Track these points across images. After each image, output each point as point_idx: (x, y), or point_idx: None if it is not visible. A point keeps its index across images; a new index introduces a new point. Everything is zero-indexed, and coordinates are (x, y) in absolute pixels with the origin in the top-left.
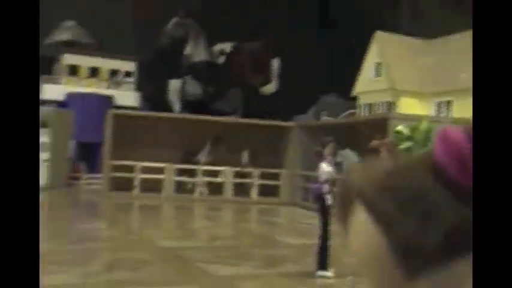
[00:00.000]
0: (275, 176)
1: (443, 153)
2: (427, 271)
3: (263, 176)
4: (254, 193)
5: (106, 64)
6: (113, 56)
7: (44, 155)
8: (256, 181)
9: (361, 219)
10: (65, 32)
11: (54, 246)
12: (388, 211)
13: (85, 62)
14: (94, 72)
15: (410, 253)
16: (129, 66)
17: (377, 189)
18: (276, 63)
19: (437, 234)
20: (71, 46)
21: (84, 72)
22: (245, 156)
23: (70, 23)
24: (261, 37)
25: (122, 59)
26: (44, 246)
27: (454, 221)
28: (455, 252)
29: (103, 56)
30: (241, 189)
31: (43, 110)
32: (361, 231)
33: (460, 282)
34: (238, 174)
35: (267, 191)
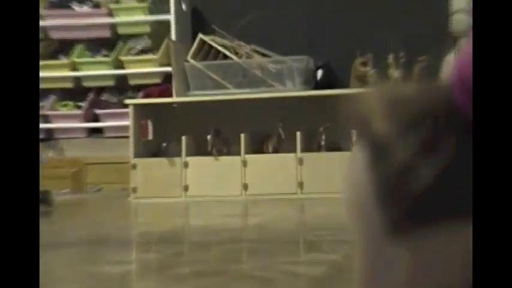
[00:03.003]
0: None
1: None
2: (414, 229)
3: None
4: None
5: None
6: None
7: None
8: None
9: (354, 152)
10: None
11: None
12: (382, 134)
13: None
14: None
15: (396, 195)
16: None
17: (377, 113)
18: None
19: (432, 171)
20: None
21: None
22: None
23: None
24: None
25: None
26: None
27: (452, 163)
28: (451, 208)
29: None
30: None
31: None
32: (350, 168)
33: (459, 259)
34: None
35: None
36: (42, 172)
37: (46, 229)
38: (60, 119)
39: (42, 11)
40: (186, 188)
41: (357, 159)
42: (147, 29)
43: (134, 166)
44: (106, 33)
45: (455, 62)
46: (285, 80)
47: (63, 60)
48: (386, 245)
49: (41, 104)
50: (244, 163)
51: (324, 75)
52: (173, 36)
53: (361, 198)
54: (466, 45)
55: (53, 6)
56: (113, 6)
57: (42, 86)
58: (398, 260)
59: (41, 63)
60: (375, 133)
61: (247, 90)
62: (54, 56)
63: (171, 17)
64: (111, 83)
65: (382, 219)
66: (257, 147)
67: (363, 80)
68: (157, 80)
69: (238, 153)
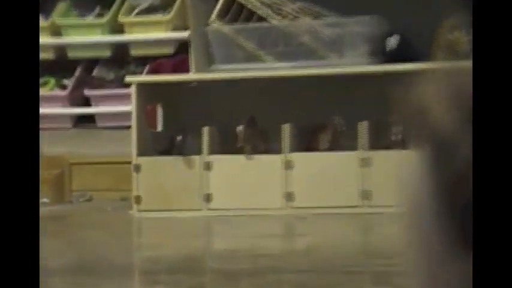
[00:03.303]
0: None
1: None
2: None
3: None
4: None
5: None
6: None
7: None
8: None
9: (411, 150)
10: None
11: None
12: (446, 129)
13: None
14: None
15: (463, 202)
16: None
17: (439, 103)
18: None
19: None
20: None
21: None
22: None
23: None
24: None
25: None
26: None
27: None
28: None
29: None
30: None
31: None
32: (406, 171)
33: None
34: None
35: None
36: None
37: None
38: None
39: None
40: (208, 198)
41: (415, 159)
42: None
43: (138, 168)
44: None
45: None
46: (344, 50)
47: (41, 22)
48: (449, 259)
49: None
50: (288, 164)
51: (398, 44)
52: None
53: (420, 207)
54: None
55: None
56: None
57: None
58: (463, 276)
59: None
60: (437, 128)
61: (292, 63)
62: None
63: None
64: (106, 53)
65: (446, 231)
66: (306, 143)
67: (452, 50)
68: (169, 50)
69: (279, 151)
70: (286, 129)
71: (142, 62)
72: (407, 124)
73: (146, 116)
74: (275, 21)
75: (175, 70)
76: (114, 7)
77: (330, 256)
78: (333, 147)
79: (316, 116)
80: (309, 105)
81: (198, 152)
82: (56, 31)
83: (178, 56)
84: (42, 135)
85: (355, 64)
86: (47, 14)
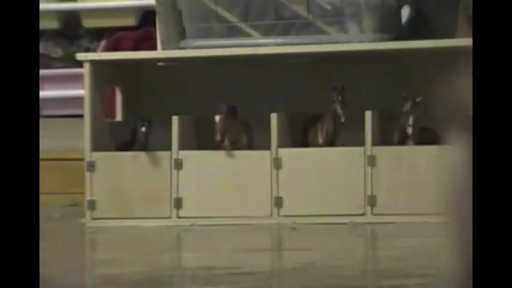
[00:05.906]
0: None
1: None
2: None
3: None
4: None
5: None
6: None
7: None
8: None
9: (452, 150)
10: None
11: None
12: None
13: None
14: None
15: None
16: None
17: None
18: None
19: None
20: None
21: None
22: None
23: None
24: None
25: None
26: None
27: None
28: None
29: None
30: None
31: None
32: (450, 173)
33: None
34: None
35: None
36: None
37: None
38: None
39: None
40: (178, 203)
41: (457, 158)
42: None
43: (92, 166)
44: None
45: None
46: (347, 24)
47: None
48: None
49: None
50: (277, 162)
51: (412, 16)
52: None
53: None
54: None
55: None
56: None
57: None
58: None
59: None
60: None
61: (283, 39)
62: None
63: None
64: (52, 24)
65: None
66: (298, 137)
67: None
68: (130, 21)
69: (266, 146)
70: (275, 119)
71: (97, 35)
72: (445, 123)
73: (102, 102)
74: None
75: (138, 46)
76: None
77: (328, 276)
78: (332, 142)
79: (312, 103)
80: (303, 90)
81: (166, 147)
82: None
83: (141, 29)
84: None
85: (360, 41)
86: None
